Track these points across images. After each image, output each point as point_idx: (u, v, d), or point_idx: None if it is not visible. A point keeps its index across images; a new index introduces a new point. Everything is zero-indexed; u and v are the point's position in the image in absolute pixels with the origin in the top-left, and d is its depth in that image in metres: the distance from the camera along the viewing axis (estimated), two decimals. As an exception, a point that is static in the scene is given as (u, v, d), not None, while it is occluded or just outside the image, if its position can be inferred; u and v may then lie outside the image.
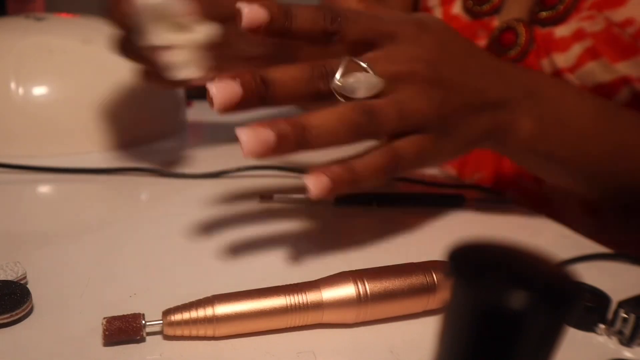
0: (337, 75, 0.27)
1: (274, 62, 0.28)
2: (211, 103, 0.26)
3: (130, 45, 0.38)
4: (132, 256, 0.31)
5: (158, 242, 0.33)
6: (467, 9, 0.54)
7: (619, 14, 0.42)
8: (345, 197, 0.40)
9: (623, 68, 0.43)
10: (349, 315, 0.25)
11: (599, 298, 0.27)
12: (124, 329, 0.23)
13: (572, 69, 0.45)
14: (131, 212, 0.38)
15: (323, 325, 0.25)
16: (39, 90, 0.46)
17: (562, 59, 0.46)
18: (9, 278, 0.26)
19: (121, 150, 0.50)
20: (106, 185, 0.42)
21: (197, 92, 0.73)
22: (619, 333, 0.26)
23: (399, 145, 0.29)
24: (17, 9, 0.74)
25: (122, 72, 0.51)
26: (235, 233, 0.35)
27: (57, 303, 0.26)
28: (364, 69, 0.28)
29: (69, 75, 0.48)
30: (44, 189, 0.41)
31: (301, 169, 0.46)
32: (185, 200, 0.40)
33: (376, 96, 0.28)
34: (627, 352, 0.25)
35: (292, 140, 0.26)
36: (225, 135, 0.59)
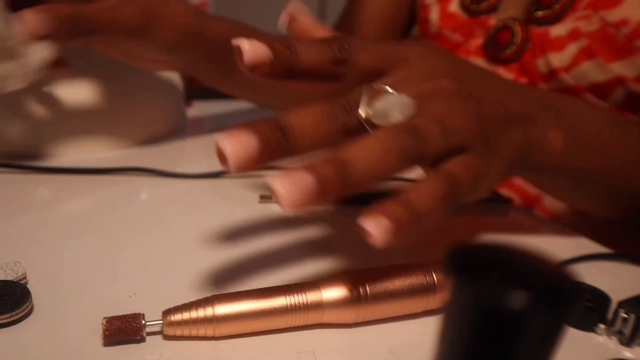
0: (363, 104, 0.24)
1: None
2: (224, 162, 0.22)
3: None
4: (132, 256, 0.31)
5: (158, 242, 0.33)
6: (464, 6, 0.54)
7: (614, 14, 0.43)
8: (346, 197, 0.40)
9: (618, 68, 0.43)
10: (349, 316, 0.25)
11: (599, 298, 0.27)
12: (124, 329, 0.23)
13: (567, 68, 0.45)
14: (131, 212, 0.38)
15: (323, 325, 0.25)
16: (39, 90, 0.46)
17: (557, 59, 0.46)
18: (9, 278, 0.26)
19: (121, 150, 0.50)
20: (106, 185, 0.42)
21: (197, 92, 0.73)
22: (619, 333, 0.26)
23: (449, 169, 0.25)
24: (17, 9, 0.74)
25: (122, 72, 0.51)
26: (235, 233, 0.35)
27: (57, 303, 0.26)
28: (389, 93, 0.25)
29: (69, 75, 0.48)
30: (44, 189, 0.41)
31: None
32: (185, 200, 0.40)
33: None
34: (627, 352, 0.25)
35: (335, 182, 0.22)
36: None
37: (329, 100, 0.24)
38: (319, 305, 0.24)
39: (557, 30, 0.46)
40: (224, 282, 0.28)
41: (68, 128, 0.48)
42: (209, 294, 0.24)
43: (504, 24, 0.50)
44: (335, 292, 0.24)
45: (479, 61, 0.53)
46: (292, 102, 0.60)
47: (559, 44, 0.46)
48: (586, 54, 0.44)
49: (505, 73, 0.51)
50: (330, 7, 1.46)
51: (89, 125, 0.49)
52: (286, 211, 0.21)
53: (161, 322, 0.23)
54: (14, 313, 0.23)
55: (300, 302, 0.24)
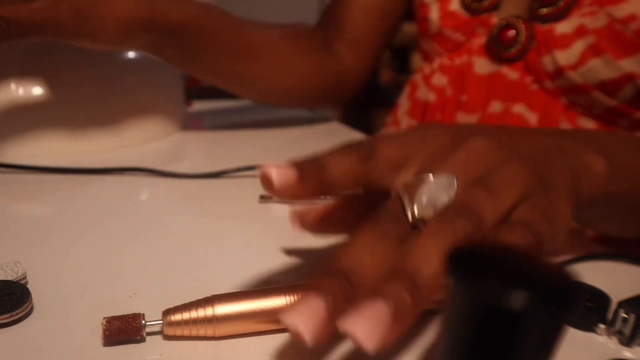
0: (408, 206, 0.23)
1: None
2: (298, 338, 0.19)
3: None
4: (132, 256, 0.31)
5: (158, 242, 0.33)
6: (465, 5, 0.53)
7: (621, 10, 0.42)
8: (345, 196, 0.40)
9: (627, 64, 0.43)
10: None
11: (599, 298, 0.27)
12: (124, 329, 0.23)
13: (575, 66, 0.45)
14: (131, 212, 0.38)
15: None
16: (39, 90, 0.46)
17: (564, 56, 0.45)
18: (9, 278, 0.26)
19: (121, 150, 0.50)
20: (106, 185, 0.42)
21: (197, 92, 0.73)
22: (619, 333, 0.26)
23: (519, 218, 0.23)
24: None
25: (122, 71, 0.51)
26: (235, 233, 0.35)
27: (57, 303, 0.26)
28: (425, 180, 0.23)
29: (69, 75, 0.48)
30: (44, 189, 0.41)
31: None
32: (185, 200, 0.40)
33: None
34: (627, 352, 0.25)
35: (409, 304, 0.20)
36: (225, 135, 0.59)
37: (373, 220, 0.23)
38: None
39: (563, 28, 0.46)
40: (224, 282, 0.28)
41: (68, 128, 0.48)
42: (209, 294, 0.24)
43: (507, 22, 0.50)
44: None
45: (482, 60, 0.53)
46: (263, 93, 0.59)
47: (565, 42, 0.45)
48: (594, 51, 0.44)
49: (510, 72, 0.50)
50: (330, 7, 1.46)
51: (89, 125, 0.49)
52: (371, 354, 0.18)
53: (161, 322, 0.23)
54: (14, 313, 0.23)
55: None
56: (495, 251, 0.13)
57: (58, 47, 0.48)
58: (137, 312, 0.23)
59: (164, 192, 0.42)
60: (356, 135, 0.64)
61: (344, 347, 0.24)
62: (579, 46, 0.45)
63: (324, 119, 0.69)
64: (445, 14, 0.54)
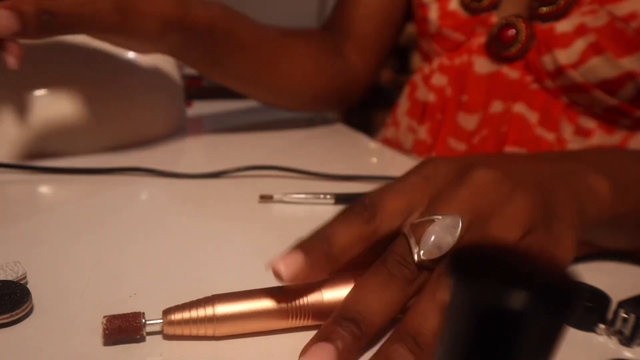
0: (413, 248, 0.23)
1: None
2: None
3: None
4: (132, 256, 0.31)
5: (158, 242, 0.33)
6: (464, 4, 0.53)
7: (622, 8, 0.42)
8: (345, 196, 0.40)
9: (628, 63, 0.43)
10: None
11: (599, 298, 0.27)
12: (124, 328, 0.23)
13: (575, 65, 0.45)
14: (131, 212, 0.38)
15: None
16: (39, 90, 0.46)
17: (565, 55, 0.45)
18: (9, 278, 0.26)
19: (121, 150, 0.50)
20: (106, 185, 0.42)
21: (197, 92, 0.73)
22: (619, 333, 0.26)
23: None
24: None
25: (122, 71, 0.51)
26: (235, 233, 0.35)
27: (57, 303, 0.26)
28: (430, 222, 0.24)
29: (69, 75, 0.48)
30: (44, 189, 0.41)
31: (301, 169, 0.46)
32: (185, 200, 0.40)
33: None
34: (627, 352, 0.25)
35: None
36: (225, 135, 0.59)
37: (379, 263, 0.24)
38: (319, 306, 0.24)
39: (563, 26, 0.46)
40: (224, 282, 0.28)
41: (68, 128, 0.48)
42: (209, 294, 0.24)
43: (507, 22, 0.50)
44: (336, 294, 0.24)
45: (482, 60, 0.52)
46: (280, 96, 0.59)
47: (565, 40, 0.45)
48: (595, 49, 0.44)
49: (510, 71, 0.50)
50: (330, 6, 1.46)
51: (89, 125, 0.49)
52: None
53: (161, 321, 0.23)
54: (14, 313, 0.23)
55: (301, 302, 0.24)
56: (495, 251, 0.13)
57: (57, 47, 0.48)
58: (137, 311, 0.23)
59: (164, 192, 0.42)
60: (356, 136, 0.64)
61: None
62: (579, 45, 0.44)
63: (325, 120, 0.69)
64: (445, 14, 0.54)
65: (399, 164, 0.55)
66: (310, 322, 0.24)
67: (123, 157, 0.48)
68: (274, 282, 0.25)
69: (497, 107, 0.52)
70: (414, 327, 0.22)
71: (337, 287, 0.25)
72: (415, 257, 0.23)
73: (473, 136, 0.54)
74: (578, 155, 0.34)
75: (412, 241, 0.24)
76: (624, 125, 0.47)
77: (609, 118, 0.47)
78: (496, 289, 0.11)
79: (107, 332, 0.23)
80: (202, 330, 0.23)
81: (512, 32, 0.49)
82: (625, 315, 0.25)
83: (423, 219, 0.24)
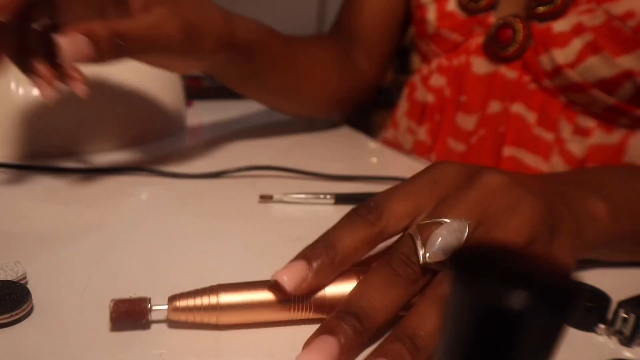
0: (419, 249, 0.24)
1: None
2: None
3: None
4: (132, 256, 0.31)
5: (158, 242, 0.33)
6: (462, 5, 0.53)
7: (619, 7, 0.42)
8: (345, 196, 0.40)
9: (625, 62, 0.43)
10: None
11: (599, 298, 0.27)
12: (130, 312, 0.23)
13: (573, 64, 0.45)
14: (131, 212, 0.38)
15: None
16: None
17: (562, 55, 0.45)
18: (9, 278, 0.26)
19: (121, 150, 0.50)
20: (106, 185, 0.42)
21: (197, 92, 0.73)
22: (619, 333, 0.26)
23: None
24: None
25: (122, 71, 0.51)
26: (235, 233, 0.35)
27: (57, 303, 0.26)
28: (438, 224, 0.24)
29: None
30: (44, 189, 0.41)
31: (301, 170, 0.46)
32: (185, 200, 0.40)
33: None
34: (627, 352, 0.25)
35: None
36: (225, 135, 0.59)
37: (384, 261, 0.24)
38: (321, 300, 0.24)
39: (560, 26, 0.46)
40: (224, 281, 0.28)
41: (68, 128, 0.48)
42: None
43: (504, 22, 0.50)
44: (338, 288, 0.25)
45: (480, 60, 0.53)
46: (306, 104, 0.59)
47: (562, 40, 0.45)
48: (592, 48, 0.44)
49: (508, 71, 0.50)
50: (330, 7, 1.46)
51: (89, 125, 0.49)
52: None
53: (166, 307, 0.24)
54: (14, 313, 0.23)
55: (303, 295, 0.24)
56: (495, 251, 0.13)
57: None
58: (143, 296, 0.24)
59: (164, 192, 0.42)
60: (356, 136, 0.64)
61: None
62: (576, 44, 0.44)
63: (325, 121, 0.69)
64: (443, 15, 0.54)
65: (399, 164, 0.55)
66: (311, 315, 0.25)
67: (123, 157, 0.48)
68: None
69: (494, 107, 0.52)
70: (412, 328, 0.22)
71: (340, 282, 0.25)
72: (421, 259, 0.24)
73: (471, 136, 0.54)
74: (575, 176, 0.34)
75: (418, 242, 0.24)
76: (623, 124, 0.47)
77: (608, 117, 0.47)
78: (496, 289, 0.11)
79: (114, 315, 0.23)
80: (205, 318, 0.24)
81: (509, 32, 0.49)
82: (625, 315, 0.25)
83: (430, 221, 0.24)
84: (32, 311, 0.25)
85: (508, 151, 0.50)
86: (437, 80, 0.57)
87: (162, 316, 0.24)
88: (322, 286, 0.25)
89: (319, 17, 1.56)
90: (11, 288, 0.25)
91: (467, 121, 0.54)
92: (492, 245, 0.13)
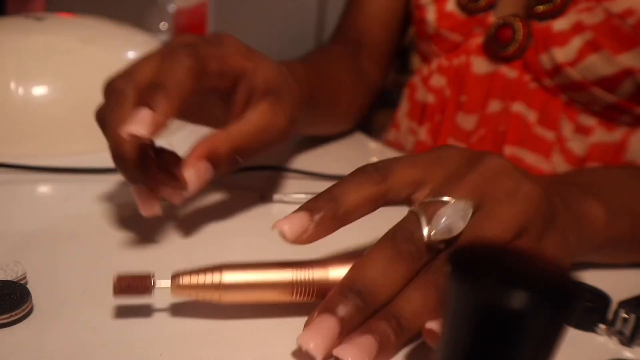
0: (424, 226, 0.24)
1: None
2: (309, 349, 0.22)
3: None
4: (133, 256, 0.31)
5: (158, 242, 0.33)
6: (461, 5, 0.53)
7: (618, 5, 0.42)
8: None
9: (625, 60, 0.43)
10: None
11: (599, 298, 0.27)
12: (133, 287, 0.23)
13: (573, 63, 0.45)
14: (131, 212, 0.37)
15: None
16: (39, 90, 0.46)
17: (562, 54, 0.45)
18: (9, 278, 0.26)
19: (121, 150, 0.50)
20: (106, 185, 0.42)
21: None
22: (619, 333, 0.26)
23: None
24: (16, 8, 0.74)
25: (122, 72, 0.51)
26: (235, 233, 0.35)
27: (57, 303, 0.26)
28: (444, 203, 0.24)
29: (69, 75, 0.48)
30: (44, 189, 0.40)
31: (301, 170, 0.46)
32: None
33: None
34: (627, 352, 0.25)
35: (393, 342, 0.23)
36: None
37: (387, 238, 0.24)
38: (324, 284, 0.24)
39: (560, 25, 0.46)
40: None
41: (68, 128, 0.48)
42: (209, 294, 0.24)
43: (504, 21, 0.50)
44: (342, 272, 0.24)
45: (480, 60, 0.53)
46: (338, 123, 0.57)
47: (562, 39, 0.45)
48: (592, 47, 0.44)
49: (508, 71, 0.50)
50: (330, 7, 1.46)
51: (89, 125, 0.49)
52: None
53: (169, 283, 0.24)
54: (14, 313, 0.23)
55: (307, 278, 0.24)
56: (495, 251, 0.13)
57: (58, 47, 0.48)
58: (147, 271, 0.24)
59: (164, 192, 0.41)
60: (356, 136, 0.64)
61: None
62: (576, 43, 0.45)
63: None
64: (442, 15, 0.54)
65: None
66: (314, 299, 0.25)
67: (123, 157, 0.48)
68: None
69: (495, 106, 0.52)
70: (399, 309, 0.23)
71: (344, 266, 0.25)
72: (425, 236, 0.24)
73: (471, 136, 0.54)
74: (573, 177, 0.34)
75: (423, 220, 0.24)
76: (624, 122, 0.47)
77: (609, 115, 0.47)
78: (496, 289, 0.11)
79: (116, 289, 0.23)
80: (208, 296, 0.24)
81: (509, 31, 0.49)
82: (626, 316, 0.25)
83: (434, 199, 0.25)
84: (32, 311, 0.25)
85: (509, 150, 0.50)
86: (438, 81, 0.57)
87: (166, 293, 0.24)
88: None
89: (318, 18, 1.56)
90: (11, 288, 0.25)
91: (467, 121, 0.54)
92: (492, 245, 0.13)
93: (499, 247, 0.13)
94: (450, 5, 0.54)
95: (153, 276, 0.24)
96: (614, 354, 0.25)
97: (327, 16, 1.45)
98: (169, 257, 0.31)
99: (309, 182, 0.45)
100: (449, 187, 0.25)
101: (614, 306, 0.26)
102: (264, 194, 0.40)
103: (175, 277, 0.24)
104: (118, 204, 0.39)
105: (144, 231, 0.34)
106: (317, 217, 0.24)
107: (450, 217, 0.24)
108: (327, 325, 0.22)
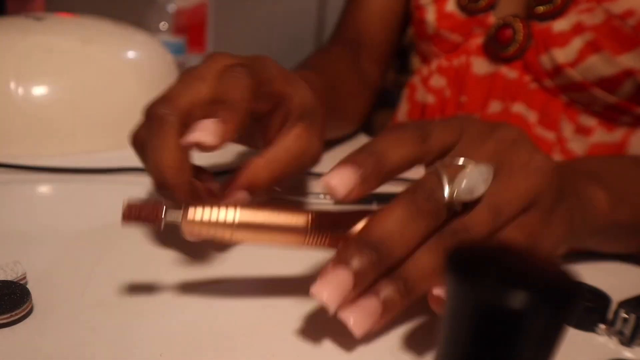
0: (446, 186, 0.24)
1: None
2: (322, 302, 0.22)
3: None
4: (133, 256, 0.31)
5: (158, 242, 0.33)
6: (461, 6, 0.53)
7: (619, 6, 0.42)
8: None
9: (626, 60, 0.43)
10: None
11: (599, 298, 0.27)
12: (143, 214, 0.23)
13: (573, 64, 0.45)
14: (131, 212, 0.37)
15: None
16: (39, 90, 0.46)
17: (562, 54, 0.46)
18: (9, 278, 0.26)
19: (121, 150, 0.50)
20: (106, 185, 0.42)
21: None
22: (620, 333, 0.26)
23: (505, 237, 0.24)
24: (16, 8, 0.74)
25: (123, 71, 0.51)
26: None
27: (57, 303, 0.26)
28: (467, 166, 0.24)
29: (69, 75, 0.48)
30: (44, 189, 0.41)
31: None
32: (185, 200, 0.40)
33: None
34: (627, 352, 0.25)
35: (399, 303, 0.23)
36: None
37: (407, 194, 0.24)
38: (339, 234, 0.24)
39: (560, 25, 0.46)
40: (226, 278, 0.28)
41: (68, 128, 0.48)
42: (209, 293, 0.24)
43: (504, 22, 0.50)
44: (359, 225, 0.24)
45: (480, 61, 0.53)
46: (348, 125, 0.57)
47: (562, 39, 0.45)
48: (592, 47, 0.44)
49: (509, 72, 0.50)
50: (330, 7, 1.46)
51: (88, 125, 0.49)
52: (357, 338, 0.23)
53: (181, 214, 0.23)
54: (14, 313, 0.23)
55: (321, 225, 0.24)
56: (495, 251, 0.13)
57: (58, 47, 0.48)
58: (159, 201, 0.24)
59: (164, 192, 0.41)
60: (356, 136, 0.64)
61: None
62: (577, 43, 0.45)
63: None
64: (442, 15, 0.54)
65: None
66: (325, 246, 0.24)
67: (123, 157, 0.48)
68: (273, 281, 0.25)
69: (495, 107, 0.52)
70: (406, 271, 0.23)
71: (359, 219, 0.24)
72: (446, 195, 0.23)
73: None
74: (576, 165, 0.34)
75: (445, 179, 0.24)
76: (624, 123, 0.47)
77: (609, 116, 0.47)
78: (496, 288, 0.11)
79: (125, 215, 0.23)
80: (219, 233, 0.23)
81: (509, 32, 0.49)
82: (626, 316, 0.25)
83: (454, 161, 0.25)
84: (32, 311, 0.25)
85: None
86: (437, 81, 0.57)
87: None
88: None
89: (318, 18, 1.56)
90: (11, 288, 0.25)
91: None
92: (492, 245, 0.13)
93: (499, 247, 0.13)
94: (450, 6, 0.54)
95: (165, 205, 0.23)
96: (614, 354, 0.25)
97: (327, 16, 1.45)
98: (169, 257, 0.31)
99: (309, 182, 0.45)
100: (469, 151, 0.25)
101: (614, 306, 0.26)
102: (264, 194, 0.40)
103: (187, 209, 0.23)
104: (118, 204, 0.39)
105: (144, 231, 0.34)
106: (363, 172, 0.23)
107: (473, 179, 0.24)
108: (341, 278, 0.22)
